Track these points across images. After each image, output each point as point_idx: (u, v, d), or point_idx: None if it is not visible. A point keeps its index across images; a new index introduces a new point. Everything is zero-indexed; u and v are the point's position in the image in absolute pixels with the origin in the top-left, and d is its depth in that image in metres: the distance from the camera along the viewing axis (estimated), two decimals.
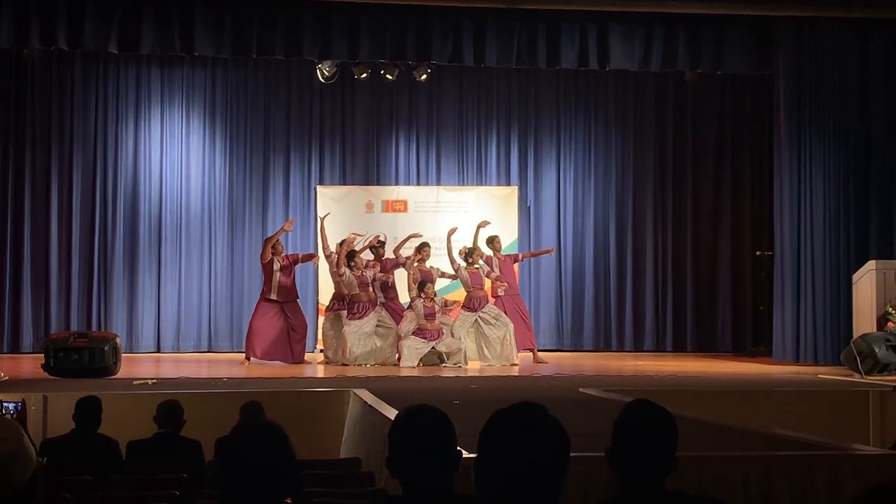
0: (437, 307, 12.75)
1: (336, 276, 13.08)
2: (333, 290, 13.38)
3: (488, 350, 12.96)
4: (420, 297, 12.75)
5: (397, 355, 12.83)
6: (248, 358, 13.02)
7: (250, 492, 2.61)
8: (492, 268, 13.43)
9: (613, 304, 16.07)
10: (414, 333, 12.71)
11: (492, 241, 13.73)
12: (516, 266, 14.23)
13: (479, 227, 13.60)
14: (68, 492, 5.13)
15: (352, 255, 12.99)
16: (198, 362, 13.73)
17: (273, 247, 13.17)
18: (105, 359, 10.97)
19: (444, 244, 13.55)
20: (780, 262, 13.84)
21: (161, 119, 15.44)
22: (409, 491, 2.72)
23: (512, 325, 13.04)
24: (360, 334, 12.82)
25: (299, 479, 5.64)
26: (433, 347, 12.68)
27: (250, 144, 15.68)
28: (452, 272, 13.41)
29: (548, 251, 14.62)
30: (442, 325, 12.81)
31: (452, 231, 13.46)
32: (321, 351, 14.19)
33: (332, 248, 13.34)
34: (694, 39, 13.62)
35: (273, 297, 13.05)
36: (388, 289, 13.29)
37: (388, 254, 13.57)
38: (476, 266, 13.24)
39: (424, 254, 13.35)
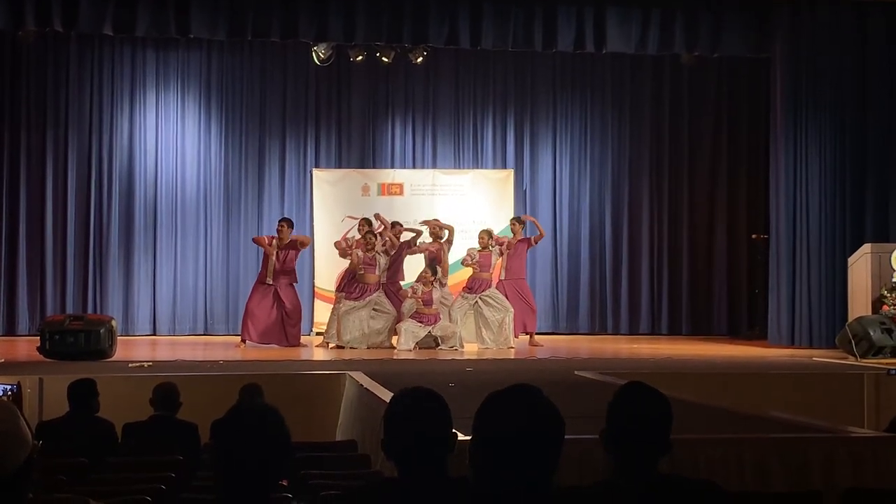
0: (434, 293, 12.76)
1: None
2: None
3: (486, 332, 12.97)
4: (419, 282, 12.81)
5: (394, 338, 12.85)
6: (243, 341, 13.02)
7: (245, 474, 2.61)
8: (501, 250, 13.41)
9: (609, 288, 16.09)
10: (412, 317, 12.73)
11: (514, 223, 13.73)
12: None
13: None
14: (64, 474, 5.13)
15: (366, 235, 12.99)
16: (194, 345, 13.75)
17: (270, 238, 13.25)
18: (101, 341, 10.97)
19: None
20: (775, 245, 13.84)
21: (156, 102, 15.41)
22: (405, 473, 2.72)
23: (512, 310, 13.04)
24: (355, 317, 12.82)
25: (295, 461, 5.65)
26: (429, 332, 12.71)
27: (246, 127, 15.65)
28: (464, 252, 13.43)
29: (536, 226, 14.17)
30: (439, 311, 12.82)
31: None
32: (318, 334, 14.23)
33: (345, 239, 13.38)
34: (691, 22, 13.58)
35: (269, 280, 13.05)
36: (395, 269, 13.28)
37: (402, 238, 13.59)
38: (490, 248, 13.21)
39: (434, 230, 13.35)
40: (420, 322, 12.68)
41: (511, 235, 13.65)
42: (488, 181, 15.71)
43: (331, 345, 12.93)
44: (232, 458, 2.62)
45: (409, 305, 12.85)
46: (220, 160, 15.58)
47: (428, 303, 12.70)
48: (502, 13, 13.25)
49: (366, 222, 13.36)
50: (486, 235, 13.31)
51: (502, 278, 13.49)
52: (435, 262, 13.13)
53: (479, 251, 13.20)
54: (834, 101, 13.48)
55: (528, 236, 13.88)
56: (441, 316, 12.85)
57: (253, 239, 13.89)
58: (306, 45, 14.52)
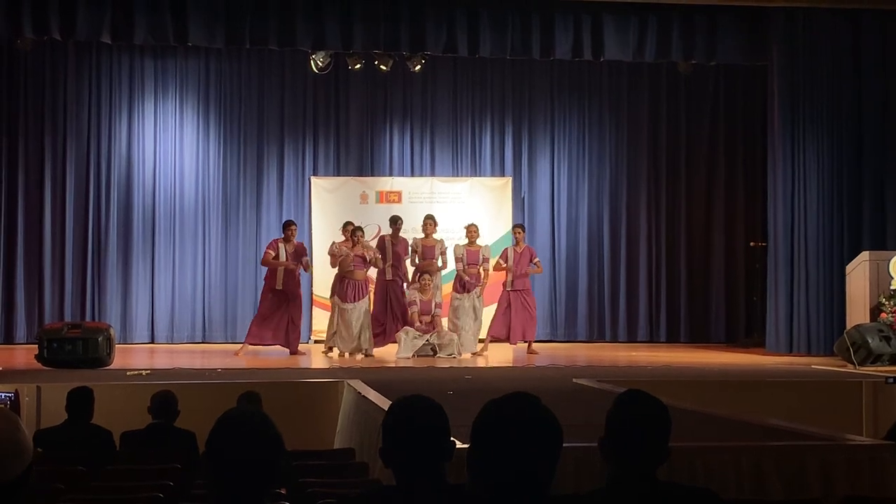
0: (433, 302, 12.72)
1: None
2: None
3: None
4: (417, 288, 12.79)
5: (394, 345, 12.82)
6: (243, 345, 12.93)
7: (235, 481, 2.60)
8: (506, 259, 13.42)
9: (607, 295, 16.10)
10: (408, 323, 12.71)
11: (517, 230, 13.71)
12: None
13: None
14: (62, 482, 5.13)
15: (354, 232, 12.85)
16: (192, 353, 13.74)
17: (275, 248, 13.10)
18: (99, 349, 10.96)
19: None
20: (773, 252, 13.85)
21: (154, 110, 15.41)
22: (403, 480, 2.72)
23: (480, 322, 13.00)
24: (356, 320, 12.68)
25: (293, 469, 5.64)
26: (427, 340, 12.67)
27: (244, 135, 15.65)
28: (454, 256, 13.31)
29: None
30: (437, 318, 12.78)
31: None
32: (316, 342, 14.21)
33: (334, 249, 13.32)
34: (688, 30, 13.61)
35: (279, 286, 12.92)
36: (396, 262, 13.24)
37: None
38: (478, 243, 13.18)
39: (429, 228, 13.28)
40: (418, 330, 12.66)
41: (515, 243, 13.66)
42: (486, 189, 15.73)
43: (335, 350, 12.80)
44: (220, 465, 2.62)
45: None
46: (219, 168, 15.58)
47: (426, 311, 12.69)
48: (500, 21, 13.27)
49: (350, 223, 13.25)
50: (475, 229, 13.27)
51: (509, 288, 13.47)
52: (424, 273, 13.00)
53: (466, 245, 13.16)
54: (830, 109, 13.50)
55: (531, 247, 13.89)
56: (439, 322, 12.83)
57: (262, 263, 13.29)
58: (304, 54, 14.53)
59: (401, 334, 12.63)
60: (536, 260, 13.65)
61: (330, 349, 12.94)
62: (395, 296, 13.18)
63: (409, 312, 12.85)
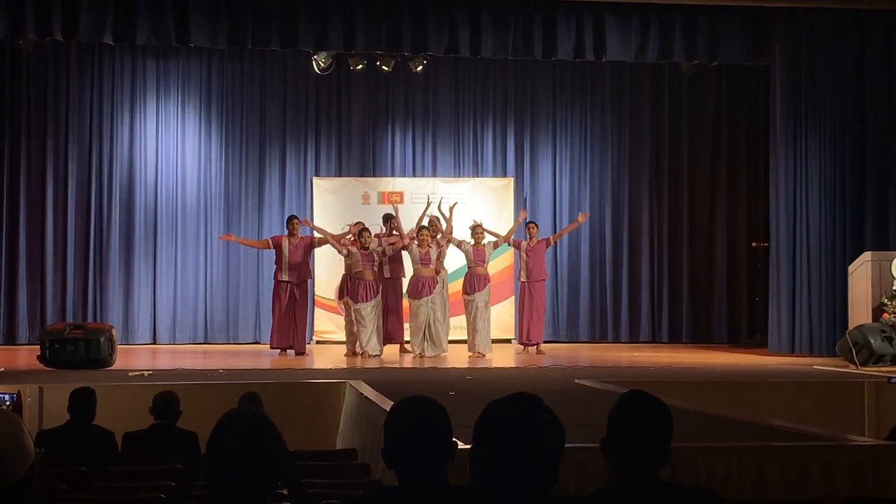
0: (432, 256, 12.62)
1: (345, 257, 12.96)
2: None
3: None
4: (415, 241, 12.69)
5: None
6: (275, 347, 12.87)
7: (236, 482, 2.60)
8: (520, 250, 13.46)
9: (609, 296, 16.10)
10: (409, 292, 12.60)
11: (527, 226, 13.74)
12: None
13: (451, 209, 13.17)
14: (64, 483, 5.13)
15: (361, 234, 12.81)
16: (193, 353, 13.75)
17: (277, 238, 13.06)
18: (101, 350, 10.97)
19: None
20: (775, 253, 13.84)
21: (156, 110, 15.43)
22: (405, 481, 2.72)
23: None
24: (368, 317, 12.64)
25: (295, 469, 5.64)
26: (429, 322, 12.54)
27: (246, 136, 15.66)
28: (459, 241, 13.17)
29: (580, 219, 13.95)
30: (437, 273, 12.67)
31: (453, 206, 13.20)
32: (318, 342, 14.19)
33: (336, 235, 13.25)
34: (690, 30, 13.60)
35: (284, 277, 12.84)
36: (395, 262, 13.20)
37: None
38: (484, 243, 13.14)
39: (434, 229, 13.20)
40: (419, 294, 12.50)
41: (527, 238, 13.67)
42: (488, 189, 15.73)
43: (372, 354, 12.60)
44: (220, 466, 2.62)
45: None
46: (221, 168, 15.59)
47: (426, 262, 12.58)
48: (502, 21, 13.27)
49: (360, 223, 13.21)
50: (482, 230, 13.20)
51: (524, 280, 13.50)
52: (423, 227, 12.90)
53: (473, 246, 13.10)
54: (833, 109, 13.49)
55: (544, 238, 13.84)
56: (438, 279, 12.71)
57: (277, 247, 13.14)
58: (306, 54, 14.55)
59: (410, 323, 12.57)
60: (553, 239, 13.88)
61: (365, 354, 12.64)
62: (394, 294, 13.13)
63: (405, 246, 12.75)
